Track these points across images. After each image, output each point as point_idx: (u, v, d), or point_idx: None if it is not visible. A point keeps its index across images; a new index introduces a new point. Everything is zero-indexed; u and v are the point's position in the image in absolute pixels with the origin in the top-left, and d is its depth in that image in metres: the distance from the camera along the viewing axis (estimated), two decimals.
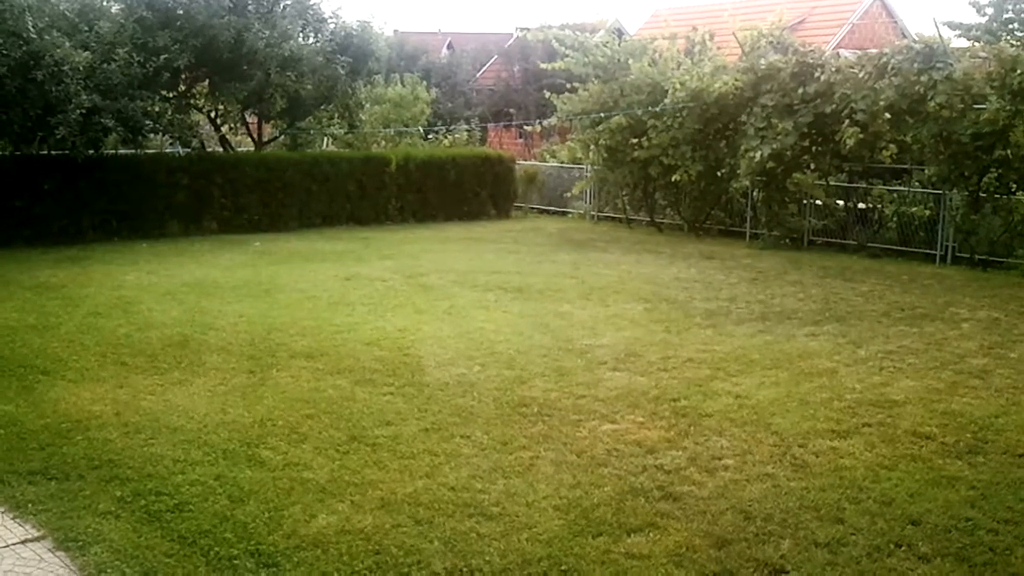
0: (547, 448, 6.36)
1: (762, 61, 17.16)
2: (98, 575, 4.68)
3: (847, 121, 15.52)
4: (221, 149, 20.79)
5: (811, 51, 17.22)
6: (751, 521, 5.23)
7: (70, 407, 7.14)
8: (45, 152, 16.46)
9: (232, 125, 21.48)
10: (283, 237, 17.69)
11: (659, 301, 11.67)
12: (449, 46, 45.49)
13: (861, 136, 15.42)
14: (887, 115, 15.23)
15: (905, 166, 16.84)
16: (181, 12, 17.28)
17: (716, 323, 10.47)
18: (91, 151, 16.00)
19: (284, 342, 9.24)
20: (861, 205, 17.24)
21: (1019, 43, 15.16)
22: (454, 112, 35.06)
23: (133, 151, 17.75)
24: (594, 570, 4.71)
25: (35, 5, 15.57)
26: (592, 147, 20.32)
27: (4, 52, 14.65)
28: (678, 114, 17.73)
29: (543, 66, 21.75)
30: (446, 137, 26.89)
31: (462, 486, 5.68)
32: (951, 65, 14.93)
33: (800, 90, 16.30)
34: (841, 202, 17.48)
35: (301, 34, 19.57)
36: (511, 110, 36.55)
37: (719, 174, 18.14)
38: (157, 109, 17.04)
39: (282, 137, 21.89)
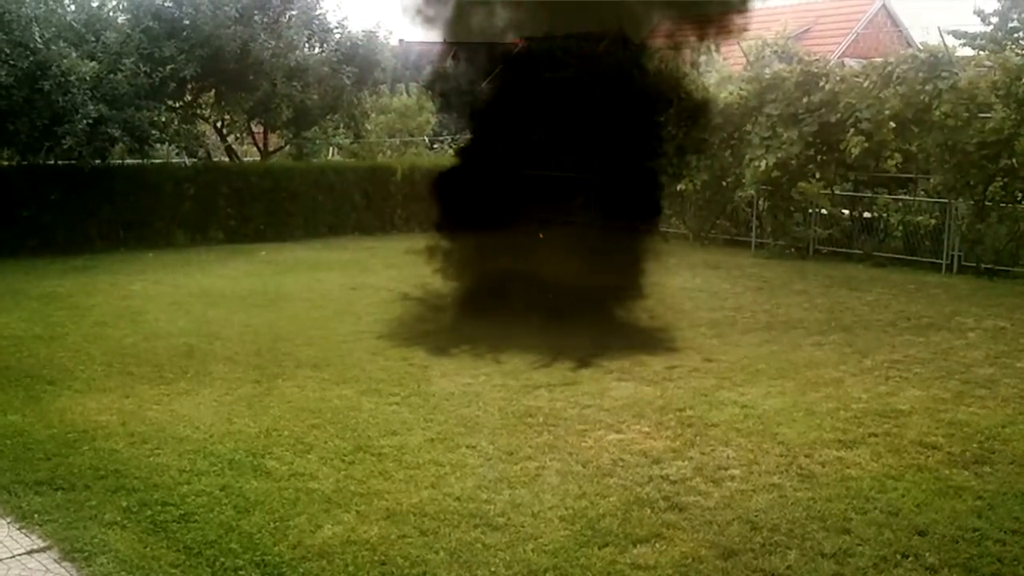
0: (553, 458, 6.35)
1: (767, 71, 17.19)
2: None
3: (852, 130, 15.52)
4: (227, 159, 20.85)
5: (816, 60, 17.25)
6: (757, 531, 5.22)
7: (76, 417, 7.15)
8: (52, 162, 16.50)
9: (238, 135, 21.54)
10: (289, 246, 17.72)
11: (663, 310, 11.64)
12: (455, 56, 45.47)
13: (866, 145, 15.42)
14: (892, 124, 15.24)
15: (910, 175, 16.79)
16: (187, 22, 17.33)
17: (722, 332, 10.46)
18: (98, 161, 16.07)
19: (290, 352, 9.25)
20: (867, 214, 17.22)
21: None
22: (460, 122, 34.97)
23: (139, 161, 17.81)
24: None
25: (42, 16, 15.63)
26: None
27: (11, 62, 14.72)
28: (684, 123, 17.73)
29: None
30: (452, 147, 26.89)
31: (468, 496, 5.68)
32: (956, 74, 14.94)
33: (805, 99, 16.29)
34: (846, 211, 17.46)
35: (307, 44, 19.63)
36: None
37: (724, 183, 18.15)
38: (163, 119, 17.08)
39: (288, 147, 21.93)
